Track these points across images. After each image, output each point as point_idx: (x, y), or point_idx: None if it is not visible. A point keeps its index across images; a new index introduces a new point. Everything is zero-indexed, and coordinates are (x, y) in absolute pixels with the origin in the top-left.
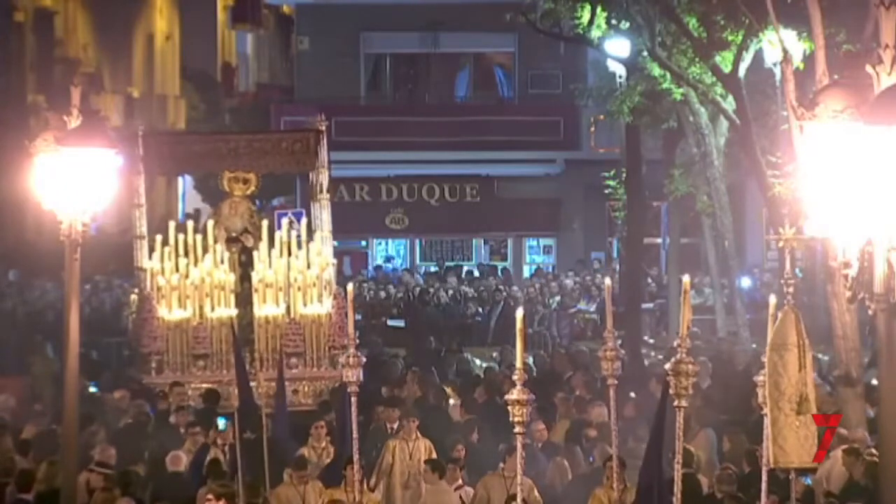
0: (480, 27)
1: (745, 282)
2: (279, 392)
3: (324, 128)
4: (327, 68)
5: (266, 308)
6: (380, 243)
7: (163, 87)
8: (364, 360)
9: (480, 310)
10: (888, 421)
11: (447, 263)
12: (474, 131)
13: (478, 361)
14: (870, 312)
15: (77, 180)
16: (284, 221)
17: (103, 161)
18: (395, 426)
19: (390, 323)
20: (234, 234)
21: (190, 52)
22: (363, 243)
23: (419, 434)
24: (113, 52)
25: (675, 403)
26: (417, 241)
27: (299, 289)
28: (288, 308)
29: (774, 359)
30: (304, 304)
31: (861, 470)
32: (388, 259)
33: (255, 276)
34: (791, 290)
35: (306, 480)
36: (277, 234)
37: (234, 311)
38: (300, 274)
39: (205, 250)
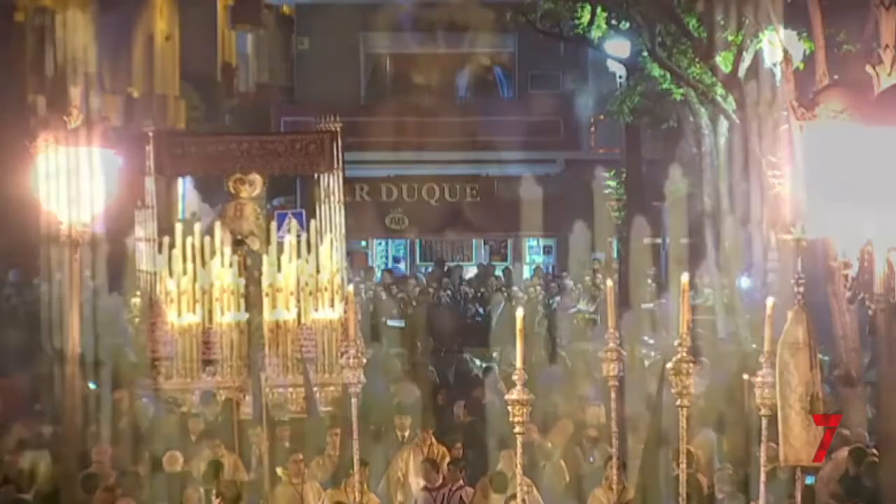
0: (480, 27)
1: (745, 282)
2: (309, 397)
3: (339, 128)
4: (327, 68)
5: (276, 313)
6: (380, 243)
7: (163, 87)
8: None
9: (481, 310)
10: (888, 421)
11: (448, 264)
12: (474, 131)
13: (478, 361)
14: (870, 312)
15: (77, 180)
16: (293, 225)
17: (103, 161)
18: (407, 434)
19: (390, 323)
20: (239, 237)
21: (190, 52)
22: (363, 243)
23: (434, 441)
24: (113, 52)
25: (677, 403)
26: (417, 241)
27: (310, 293)
28: (298, 313)
29: (786, 357)
30: (316, 309)
31: (862, 470)
32: (396, 260)
33: (264, 281)
34: (801, 289)
35: (304, 480)
36: (278, 235)
37: (244, 316)
38: (311, 278)
39: (212, 253)
